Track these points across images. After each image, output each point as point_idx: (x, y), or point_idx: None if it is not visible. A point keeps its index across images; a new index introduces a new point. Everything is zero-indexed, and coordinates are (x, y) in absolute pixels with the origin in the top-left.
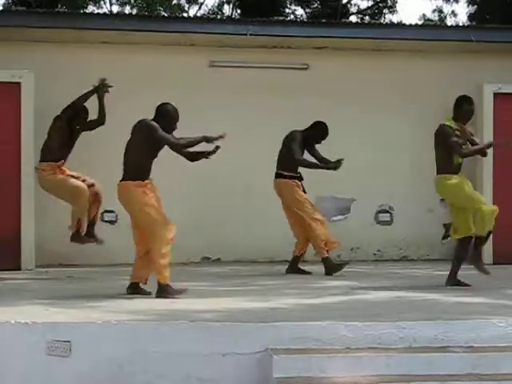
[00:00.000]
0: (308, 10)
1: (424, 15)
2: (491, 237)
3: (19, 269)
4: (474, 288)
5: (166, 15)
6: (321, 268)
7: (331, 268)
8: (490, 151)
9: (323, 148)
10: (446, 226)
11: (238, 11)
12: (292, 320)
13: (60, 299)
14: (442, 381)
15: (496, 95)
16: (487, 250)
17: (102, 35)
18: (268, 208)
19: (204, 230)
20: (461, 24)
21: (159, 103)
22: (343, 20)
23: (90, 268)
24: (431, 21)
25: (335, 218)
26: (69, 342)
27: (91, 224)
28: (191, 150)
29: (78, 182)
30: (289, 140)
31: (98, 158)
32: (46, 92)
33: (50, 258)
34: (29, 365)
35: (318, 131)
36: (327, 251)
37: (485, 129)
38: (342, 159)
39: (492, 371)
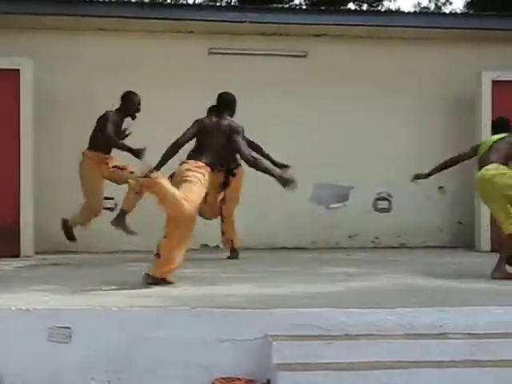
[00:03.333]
0: None
1: (419, 3)
2: (489, 224)
3: (18, 256)
4: (473, 275)
5: (164, 2)
6: (320, 255)
7: None
8: None
9: (326, 136)
10: None
11: None
12: (291, 306)
13: (60, 286)
14: (439, 367)
15: (494, 83)
16: (484, 236)
17: (101, 22)
18: (268, 195)
19: None
20: (458, 11)
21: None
22: (341, 7)
23: (90, 255)
24: (427, 8)
25: (333, 206)
26: (69, 328)
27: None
28: None
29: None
30: None
31: None
32: (44, 79)
33: (49, 245)
34: (29, 351)
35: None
36: None
37: (483, 116)
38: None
39: (489, 358)
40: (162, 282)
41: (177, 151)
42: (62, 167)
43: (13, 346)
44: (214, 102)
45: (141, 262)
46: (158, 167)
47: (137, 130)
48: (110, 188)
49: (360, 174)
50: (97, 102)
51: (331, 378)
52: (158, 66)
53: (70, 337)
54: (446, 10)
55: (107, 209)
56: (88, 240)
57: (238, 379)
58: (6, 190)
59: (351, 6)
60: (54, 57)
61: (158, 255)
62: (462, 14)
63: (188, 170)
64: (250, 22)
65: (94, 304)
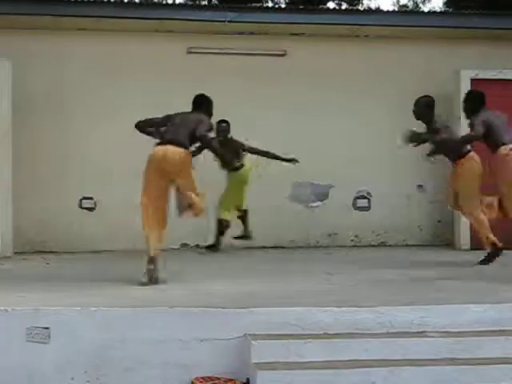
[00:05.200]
0: None
1: (398, 1)
2: (469, 222)
3: None
4: (452, 273)
5: (143, 2)
6: (300, 253)
7: None
8: None
9: (306, 134)
10: None
11: None
12: (270, 306)
13: (39, 286)
14: (418, 365)
15: (473, 81)
16: (464, 234)
17: (79, 22)
18: (248, 194)
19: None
20: (438, 10)
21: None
22: (321, 6)
23: (69, 255)
24: (406, 6)
25: (313, 204)
26: (48, 328)
27: None
28: None
29: None
30: None
31: (80, 144)
32: (23, 80)
33: (28, 246)
34: (8, 351)
35: None
36: None
37: (462, 115)
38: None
39: (468, 356)
40: None
41: None
42: (41, 168)
43: None
44: (190, 102)
45: (121, 261)
46: None
47: (117, 128)
48: (88, 187)
49: (340, 172)
50: (76, 102)
51: (310, 376)
52: (137, 65)
53: (49, 337)
54: (425, 8)
55: (86, 209)
56: (67, 241)
57: (218, 378)
58: None
59: (331, 4)
60: (32, 57)
61: None
62: (440, 12)
63: None
64: (228, 21)
65: (73, 304)
